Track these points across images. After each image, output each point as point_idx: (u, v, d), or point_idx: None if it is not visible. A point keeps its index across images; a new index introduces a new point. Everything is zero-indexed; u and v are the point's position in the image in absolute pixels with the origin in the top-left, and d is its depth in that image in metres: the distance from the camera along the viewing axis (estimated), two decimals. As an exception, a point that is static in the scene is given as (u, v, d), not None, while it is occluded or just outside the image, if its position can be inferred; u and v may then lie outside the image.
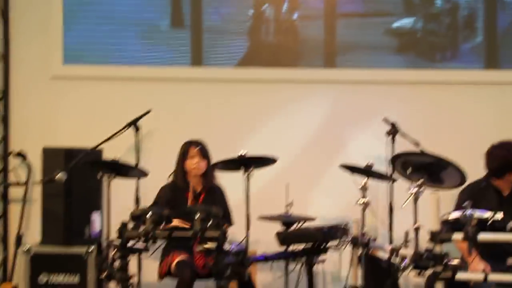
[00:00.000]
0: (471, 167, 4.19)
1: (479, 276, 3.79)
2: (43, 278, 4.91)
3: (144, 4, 5.69)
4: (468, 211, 3.76)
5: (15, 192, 5.61)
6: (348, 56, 5.64)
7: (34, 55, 5.73)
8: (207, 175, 4.78)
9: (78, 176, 4.98)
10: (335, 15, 5.65)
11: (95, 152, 5.04)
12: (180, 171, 4.78)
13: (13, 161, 5.58)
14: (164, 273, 4.58)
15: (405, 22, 5.65)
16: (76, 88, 5.69)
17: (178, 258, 4.47)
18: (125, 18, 5.70)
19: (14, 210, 5.61)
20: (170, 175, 4.85)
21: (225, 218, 4.67)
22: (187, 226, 4.02)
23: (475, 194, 4.53)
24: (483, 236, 3.73)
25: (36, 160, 5.28)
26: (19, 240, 5.29)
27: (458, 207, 4.34)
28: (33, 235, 5.37)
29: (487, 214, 3.82)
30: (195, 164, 4.72)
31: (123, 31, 5.71)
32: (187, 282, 4.35)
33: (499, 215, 3.85)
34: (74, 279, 4.87)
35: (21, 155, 5.42)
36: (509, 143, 4.53)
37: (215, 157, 4.70)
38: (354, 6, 5.65)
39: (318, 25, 5.65)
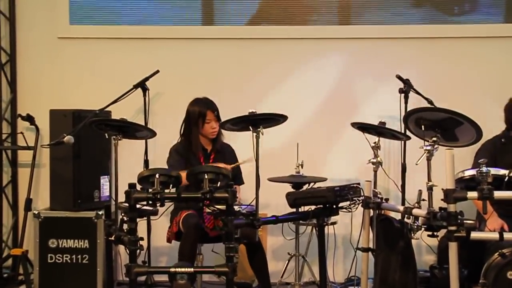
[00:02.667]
0: (488, 124, 4.10)
1: (494, 236, 3.76)
2: (53, 243, 4.96)
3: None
4: (484, 168, 3.73)
5: (24, 156, 5.66)
6: (363, 12, 5.58)
7: (40, 16, 5.74)
8: (218, 136, 4.81)
9: (86, 139, 5.00)
10: (350, -33, 5.59)
11: (103, 114, 5.03)
12: (196, 132, 4.77)
13: (21, 125, 5.61)
14: (174, 233, 4.58)
15: (423, -29, 5.57)
16: (84, 49, 5.71)
17: (186, 213, 4.50)
18: (133, -25, 5.68)
19: (23, 174, 5.66)
20: (181, 135, 4.86)
21: (236, 177, 4.67)
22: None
23: (496, 150, 4.50)
24: (499, 194, 3.69)
25: (44, 123, 5.28)
26: (28, 205, 5.36)
27: (476, 164, 4.32)
28: (43, 200, 5.45)
29: (503, 171, 3.80)
30: (212, 129, 4.74)
31: (132, -12, 5.70)
32: (194, 233, 4.37)
33: (516, 172, 3.84)
34: (84, 243, 4.93)
35: (28, 118, 5.41)
36: None
37: (225, 117, 4.67)
38: (369, -43, 5.58)
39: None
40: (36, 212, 5.00)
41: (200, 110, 4.74)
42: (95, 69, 5.68)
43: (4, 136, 5.72)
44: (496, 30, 5.49)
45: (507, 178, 3.79)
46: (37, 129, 5.46)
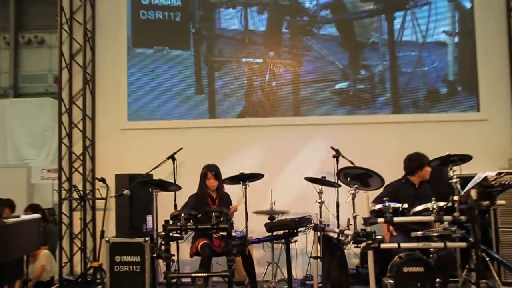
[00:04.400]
0: (387, 177, 4.08)
1: (395, 245, 3.70)
2: (117, 258, 4.79)
3: (178, 78, 5.71)
4: (387, 203, 3.72)
5: (99, 204, 5.60)
6: (307, 108, 5.63)
7: (110, 116, 5.74)
8: (219, 188, 4.72)
9: (137, 192, 4.91)
10: (299, 82, 5.66)
11: (148, 176, 4.96)
12: (203, 185, 4.71)
13: (98, 184, 5.57)
14: (193, 253, 4.48)
15: (343, 84, 5.64)
16: (136, 136, 5.69)
17: (202, 242, 4.39)
18: (166, 88, 5.72)
19: (99, 215, 5.58)
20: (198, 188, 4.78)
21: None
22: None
23: (398, 187, 4.45)
24: (397, 219, 3.69)
25: (111, 182, 5.22)
26: (102, 234, 5.31)
27: (382, 194, 4.26)
28: (111, 231, 5.31)
29: (398, 205, 3.78)
30: (211, 183, 4.66)
31: (165, 96, 5.72)
32: (208, 257, 4.27)
33: (405, 205, 3.81)
34: (137, 258, 4.76)
35: (102, 179, 5.42)
36: (418, 153, 4.47)
37: (225, 175, 4.62)
38: (310, 76, 5.65)
39: (288, 89, 5.66)
40: (107, 239, 4.86)
41: (204, 171, 4.69)
42: (143, 147, 5.62)
43: (87, 191, 5.63)
44: (387, 118, 5.56)
45: (401, 209, 3.77)
46: (107, 186, 5.42)
